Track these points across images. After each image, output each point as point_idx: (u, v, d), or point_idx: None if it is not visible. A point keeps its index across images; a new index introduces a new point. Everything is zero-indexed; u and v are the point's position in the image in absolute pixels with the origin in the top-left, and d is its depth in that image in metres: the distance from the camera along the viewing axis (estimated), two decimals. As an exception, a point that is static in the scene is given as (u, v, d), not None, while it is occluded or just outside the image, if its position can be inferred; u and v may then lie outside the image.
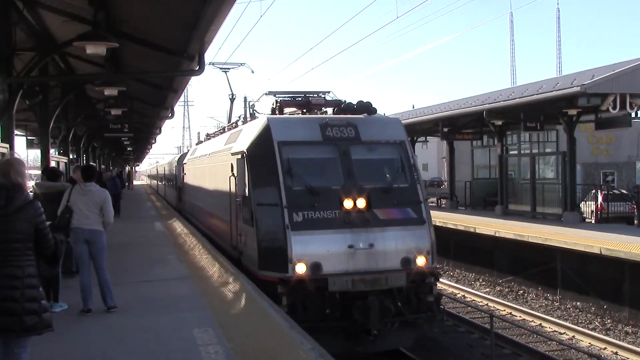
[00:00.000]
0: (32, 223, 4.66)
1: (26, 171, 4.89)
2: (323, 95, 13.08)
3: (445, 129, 27.79)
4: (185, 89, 24.95)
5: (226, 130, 16.96)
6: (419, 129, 31.42)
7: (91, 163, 26.91)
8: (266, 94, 13.71)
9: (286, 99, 13.06)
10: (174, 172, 31.54)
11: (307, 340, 6.98)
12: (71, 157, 19.95)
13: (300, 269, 9.86)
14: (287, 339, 7.06)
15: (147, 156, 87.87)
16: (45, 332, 4.70)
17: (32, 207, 4.71)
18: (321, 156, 11.09)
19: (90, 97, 19.66)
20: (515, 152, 27.43)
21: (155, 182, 55.70)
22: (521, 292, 18.53)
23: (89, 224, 8.48)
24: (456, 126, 27.59)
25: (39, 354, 4.94)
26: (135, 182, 76.25)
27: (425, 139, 35.44)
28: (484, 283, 20.31)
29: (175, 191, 30.81)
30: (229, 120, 21.70)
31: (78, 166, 11.00)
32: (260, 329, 7.52)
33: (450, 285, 19.55)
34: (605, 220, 21.47)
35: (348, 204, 10.24)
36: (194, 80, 79.23)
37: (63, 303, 8.81)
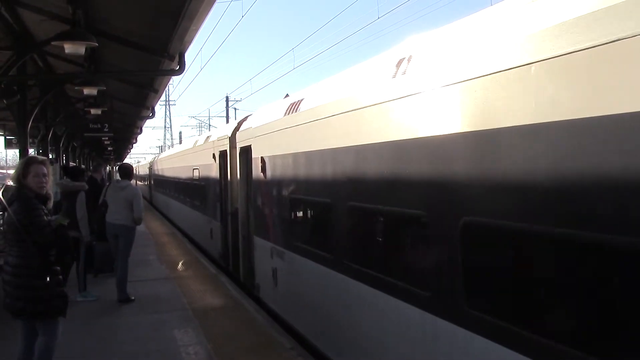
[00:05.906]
0: (22, 219, 4.88)
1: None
2: None
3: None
4: (167, 88, 24.76)
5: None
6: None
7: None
8: None
9: None
10: None
11: (287, 340, 7.00)
12: (50, 157, 19.69)
13: None
14: (267, 338, 7.08)
15: (127, 156, 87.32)
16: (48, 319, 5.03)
17: (20, 204, 4.94)
18: None
19: (69, 96, 19.40)
20: None
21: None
22: None
23: (119, 220, 9.06)
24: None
25: (13, 347, 5.03)
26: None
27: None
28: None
29: None
30: None
31: (99, 164, 11.53)
32: (241, 329, 7.54)
33: None
34: None
35: None
36: (175, 80, 78.85)
37: (87, 294, 9.31)
